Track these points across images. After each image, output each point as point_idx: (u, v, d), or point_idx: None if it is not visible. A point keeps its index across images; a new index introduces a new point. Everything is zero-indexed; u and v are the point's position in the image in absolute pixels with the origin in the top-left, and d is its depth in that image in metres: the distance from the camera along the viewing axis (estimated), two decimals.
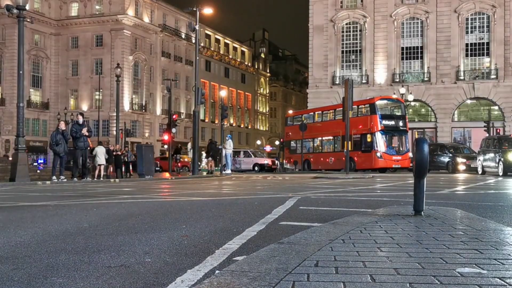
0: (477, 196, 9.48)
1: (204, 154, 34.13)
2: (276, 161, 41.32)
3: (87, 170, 19.67)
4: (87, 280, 2.85)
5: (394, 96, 39.20)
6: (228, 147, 30.47)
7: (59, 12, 69.29)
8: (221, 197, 9.87)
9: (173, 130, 34.25)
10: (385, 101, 35.08)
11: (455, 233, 3.73)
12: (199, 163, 32.35)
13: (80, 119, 19.54)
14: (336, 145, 35.67)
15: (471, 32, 49.56)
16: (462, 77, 49.26)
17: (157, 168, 38.85)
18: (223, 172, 29.51)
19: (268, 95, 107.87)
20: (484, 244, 3.20)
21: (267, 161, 39.98)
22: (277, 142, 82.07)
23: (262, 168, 38.50)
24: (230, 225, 5.18)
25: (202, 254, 3.60)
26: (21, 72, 16.83)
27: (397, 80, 50.36)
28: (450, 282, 2.24)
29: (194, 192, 11.36)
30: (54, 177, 17.72)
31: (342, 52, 52.56)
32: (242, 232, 4.66)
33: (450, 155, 29.28)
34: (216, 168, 31.60)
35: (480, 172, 24.16)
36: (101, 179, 20.74)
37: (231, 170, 31.03)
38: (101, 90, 60.35)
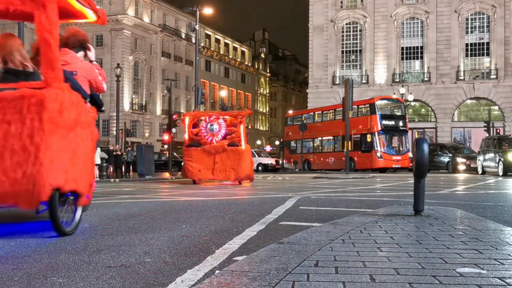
0: (477, 196, 9.48)
1: None
2: (280, 161, 41.20)
3: None
4: (87, 280, 2.85)
5: (394, 96, 39.20)
6: None
7: None
8: (221, 197, 9.86)
9: (173, 130, 34.29)
10: (385, 101, 35.11)
11: (455, 233, 3.73)
12: None
13: None
14: (336, 145, 35.69)
15: (471, 32, 49.57)
16: (462, 77, 49.27)
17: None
18: None
19: (268, 95, 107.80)
20: (484, 244, 3.20)
21: (271, 161, 39.88)
22: (277, 142, 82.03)
23: (266, 168, 38.35)
24: (230, 225, 5.18)
25: (202, 254, 3.60)
26: None
27: (397, 80, 50.37)
28: (450, 282, 2.24)
29: (194, 192, 11.35)
30: None
31: (342, 52, 52.57)
32: (242, 232, 4.66)
33: (450, 155, 29.28)
34: None
35: (480, 172, 24.17)
36: (97, 179, 20.73)
37: None
38: None
